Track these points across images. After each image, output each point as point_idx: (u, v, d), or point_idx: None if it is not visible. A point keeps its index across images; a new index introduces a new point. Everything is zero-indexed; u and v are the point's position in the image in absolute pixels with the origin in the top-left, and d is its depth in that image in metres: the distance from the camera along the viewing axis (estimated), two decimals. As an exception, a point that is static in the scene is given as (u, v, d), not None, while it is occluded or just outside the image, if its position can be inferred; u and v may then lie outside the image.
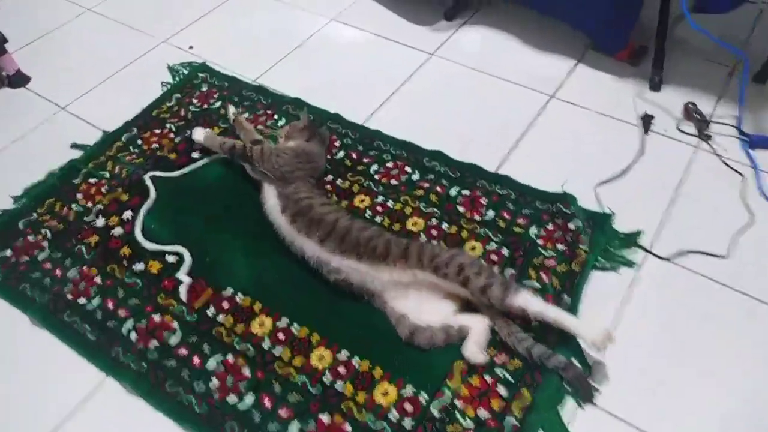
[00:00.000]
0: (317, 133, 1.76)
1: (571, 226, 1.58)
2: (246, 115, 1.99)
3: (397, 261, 1.38)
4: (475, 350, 1.29)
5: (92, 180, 1.82)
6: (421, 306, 1.39)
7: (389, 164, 1.79)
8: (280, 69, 2.17)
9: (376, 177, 1.76)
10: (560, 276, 1.48)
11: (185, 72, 2.17)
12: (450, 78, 2.09)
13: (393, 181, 1.74)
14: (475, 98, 2.01)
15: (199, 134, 1.81)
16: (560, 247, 1.54)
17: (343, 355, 1.37)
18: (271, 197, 1.57)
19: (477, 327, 1.32)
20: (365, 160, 1.81)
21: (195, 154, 1.85)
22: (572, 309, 1.40)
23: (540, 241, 1.56)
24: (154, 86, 2.13)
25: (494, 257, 1.54)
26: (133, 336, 1.43)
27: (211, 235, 1.63)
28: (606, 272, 1.51)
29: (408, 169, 1.78)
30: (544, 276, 1.48)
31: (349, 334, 1.40)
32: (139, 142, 1.93)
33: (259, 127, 1.94)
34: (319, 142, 1.74)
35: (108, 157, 1.88)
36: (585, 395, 1.26)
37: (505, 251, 1.54)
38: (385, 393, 1.30)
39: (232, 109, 1.90)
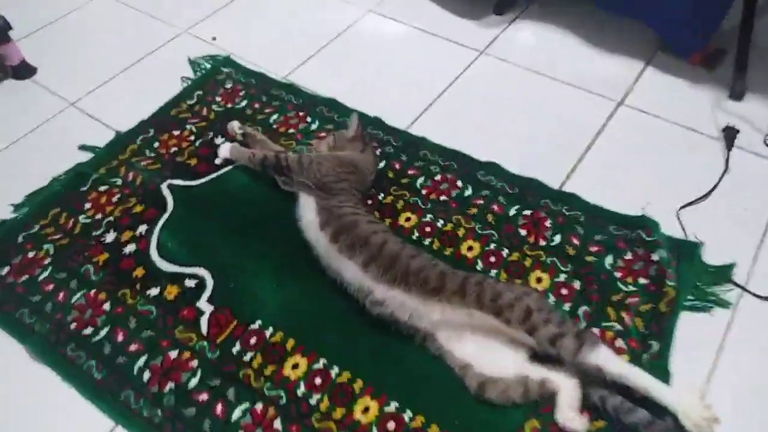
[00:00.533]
0: (368, 144, 1.55)
1: (655, 257, 1.36)
2: (275, 116, 1.78)
3: (453, 297, 1.17)
4: (571, 416, 1.08)
5: (102, 188, 1.63)
6: (484, 352, 1.18)
7: (437, 177, 1.59)
8: (312, 65, 1.96)
9: (423, 192, 1.55)
10: (645, 317, 1.27)
11: (208, 66, 1.97)
12: (503, 79, 1.88)
13: (443, 197, 1.54)
14: (531, 103, 1.79)
15: (224, 151, 1.62)
16: (642, 281, 1.33)
17: (392, 407, 1.17)
18: (309, 211, 1.37)
19: (567, 385, 1.11)
20: (410, 172, 1.61)
21: (218, 160, 1.65)
22: (662, 357, 1.20)
23: (618, 274, 1.35)
24: (173, 81, 1.93)
25: (564, 291, 1.33)
26: (146, 375, 1.24)
27: (236, 256, 1.43)
28: (695, 313, 1.29)
29: (459, 183, 1.57)
30: (625, 317, 1.27)
31: (400, 382, 1.20)
32: (156, 144, 1.73)
33: (291, 131, 1.73)
34: (369, 152, 1.53)
35: (121, 162, 1.69)
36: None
37: (576, 284, 1.33)
38: (443, 457, 1.10)
39: (235, 124, 1.68)
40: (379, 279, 1.23)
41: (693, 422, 1.02)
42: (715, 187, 1.53)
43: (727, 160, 1.59)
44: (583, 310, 1.29)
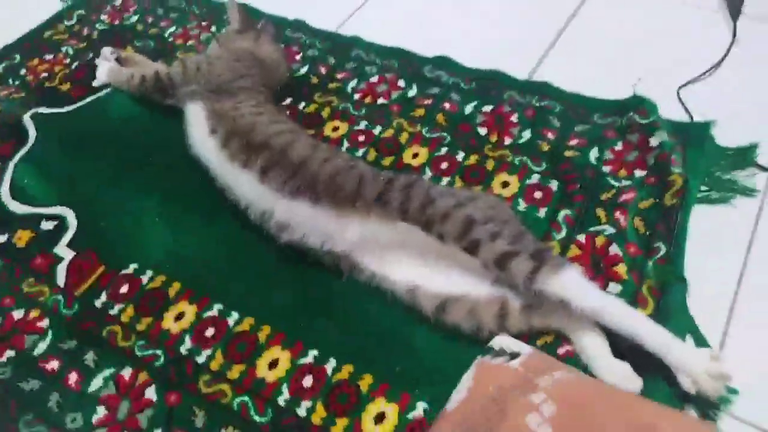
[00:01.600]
0: (261, 33, 1.23)
1: (653, 141, 1.06)
2: (173, 29, 1.46)
3: (372, 207, 0.87)
4: (628, 373, 0.77)
5: (-49, 125, 1.29)
6: (435, 270, 0.88)
7: (374, 78, 1.28)
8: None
9: (356, 96, 1.24)
10: (646, 215, 0.97)
11: (94, -17, 1.64)
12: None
13: (380, 101, 1.23)
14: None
15: (102, 73, 1.31)
16: (639, 173, 1.03)
17: (310, 357, 0.86)
18: (196, 119, 1.07)
19: (591, 334, 0.80)
20: (339, 76, 1.29)
21: (96, 82, 1.32)
22: (673, 261, 0.90)
23: (606, 168, 1.05)
24: (52, 3, 1.59)
25: (537, 194, 1.02)
26: (-21, 345, 0.92)
27: (109, 191, 1.11)
28: (711, 206, 0.99)
29: (401, 83, 1.26)
30: (620, 217, 0.96)
31: (320, 326, 0.89)
32: (23, 72, 1.41)
33: (190, 42, 1.41)
34: (269, 41, 1.22)
35: (-23, 94, 1.36)
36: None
37: (553, 185, 1.03)
38: (380, 416, 0.79)
39: (107, 50, 1.35)
40: (281, 190, 0.92)
41: (694, 378, 0.73)
42: (720, 61, 1.23)
43: (734, 30, 1.28)
44: (563, 214, 0.99)
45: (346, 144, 1.15)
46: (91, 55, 1.41)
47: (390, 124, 1.18)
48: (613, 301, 0.78)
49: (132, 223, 1.06)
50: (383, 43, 1.36)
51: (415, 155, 1.12)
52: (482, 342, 0.80)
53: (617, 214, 0.97)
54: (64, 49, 1.44)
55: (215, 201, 1.03)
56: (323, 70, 1.31)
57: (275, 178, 0.92)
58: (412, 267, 0.89)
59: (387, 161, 1.11)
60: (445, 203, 0.85)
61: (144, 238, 1.03)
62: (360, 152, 1.14)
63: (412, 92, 1.24)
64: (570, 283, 0.78)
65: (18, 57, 1.44)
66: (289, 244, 0.93)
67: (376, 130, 1.17)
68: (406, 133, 1.16)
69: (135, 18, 1.51)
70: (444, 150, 1.12)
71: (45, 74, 1.38)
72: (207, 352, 0.88)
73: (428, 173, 1.08)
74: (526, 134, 1.13)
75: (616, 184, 1.02)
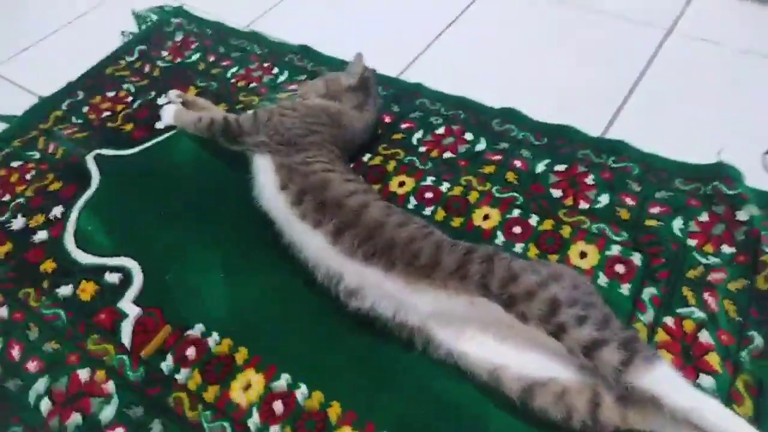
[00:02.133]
0: (372, 100, 1.22)
1: (742, 216, 1.01)
2: (234, 69, 1.45)
3: (449, 279, 0.84)
4: None
5: (15, 163, 1.31)
6: (518, 349, 0.84)
7: (440, 130, 1.25)
8: (279, 11, 1.63)
9: (422, 149, 1.21)
10: (737, 298, 0.92)
11: (154, 18, 1.64)
12: (514, 13, 1.52)
13: (447, 154, 1.20)
14: (553, 37, 1.45)
15: (168, 115, 1.31)
16: (727, 249, 0.98)
17: (383, 440, 0.83)
18: (265, 171, 1.05)
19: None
20: (404, 126, 1.27)
21: (161, 124, 1.32)
22: (769, 354, 0.84)
23: (692, 241, 1.00)
24: (114, 38, 1.60)
25: (620, 268, 0.98)
26: (45, 406, 0.91)
27: (174, 242, 1.10)
28: (807, 290, 0.93)
29: (468, 135, 1.23)
30: (709, 299, 0.92)
31: (393, 405, 0.86)
32: (85, 109, 1.41)
33: (253, 84, 1.40)
34: (370, 113, 1.21)
35: (41, 131, 1.37)
36: None
37: (636, 258, 0.99)
38: None
39: (173, 93, 1.35)
40: (353, 254, 0.89)
41: None
42: (811, 123, 1.17)
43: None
44: (649, 293, 0.94)
45: (413, 201, 1.13)
46: (153, 93, 1.41)
47: (458, 180, 1.15)
48: (710, 402, 0.73)
49: (196, 279, 1.04)
50: (448, 92, 1.32)
51: (486, 217, 1.08)
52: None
53: (706, 295, 0.93)
54: (125, 86, 1.45)
55: (282, 257, 1.01)
56: (387, 119, 1.29)
57: (348, 240, 0.90)
58: (493, 345, 0.85)
59: (456, 222, 1.08)
60: (529, 281, 0.81)
61: (208, 294, 1.02)
62: (428, 210, 1.11)
63: (480, 146, 1.21)
64: (663, 378, 0.74)
65: (81, 94, 1.45)
66: (359, 312, 0.90)
67: (444, 187, 1.14)
68: (476, 192, 1.12)
69: (196, 56, 1.51)
70: (516, 212, 1.08)
71: (108, 113, 1.38)
72: (276, 427, 0.85)
73: (500, 237, 1.05)
74: (604, 199, 1.08)
75: (704, 260, 0.97)
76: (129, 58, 1.53)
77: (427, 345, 0.88)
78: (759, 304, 0.90)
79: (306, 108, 1.14)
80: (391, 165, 1.19)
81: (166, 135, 1.30)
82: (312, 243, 0.95)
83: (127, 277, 1.06)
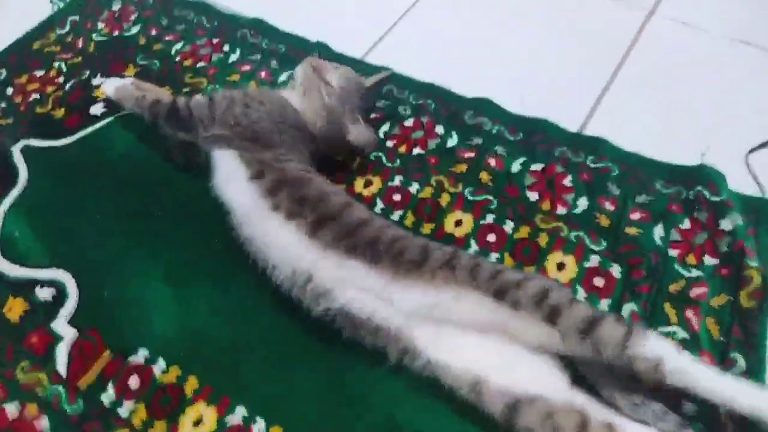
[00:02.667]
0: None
1: (725, 224, 0.97)
2: (179, 45, 1.32)
3: (438, 273, 0.80)
4: None
5: (-72, 156, 1.16)
6: (501, 359, 0.79)
7: (409, 122, 1.16)
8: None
9: (389, 143, 1.13)
10: (720, 315, 0.88)
11: (89, -17, 1.48)
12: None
13: (417, 150, 1.12)
14: (528, 19, 1.36)
15: (109, 88, 1.14)
16: (709, 261, 0.94)
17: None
18: (228, 163, 0.95)
19: None
20: (371, 117, 1.17)
21: (96, 109, 1.19)
22: (754, 377, 0.81)
23: (673, 252, 0.96)
24: (42, 6, 1.44)
25: (598, 281, 0.93)
26: (-32, 447, 0.82)
27: (112, 248, 1.00)
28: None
29: (440, 129, 1.15)
30: (692, 317, 0.88)
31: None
32: (9, 91, 1.27)
33: (201, 63, 1.28)
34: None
35: (-42, 118, 1.22)
36: None
37: (615, 270, 0.94)
38: None
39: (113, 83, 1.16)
40: (333, 247, 0.83)
41: None
42: (793, 121, 1.13)
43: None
44: (629, 309, 0.90)
45: (380, 204, 1.05)
46: (87, 72, 1.28)
47: (428, 180, 1.07)
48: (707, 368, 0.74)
49: (138, 293, 0.95)
50: (417, 78, 1.23)
51: (459, 222, 1.02)
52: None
53: (688, 312, 0.89)
54: (56, 64, 1.31)
55: (232, 262, 0.93)
56: (351, 108, 1.19)
57: (328, 233, 0.84)
58: (477, 354, 0.79)
59: (427, 228, 1.02)
60: (515, 275, 0.81)
61: (152, 312, 0.93)
62: (396, 215, 1.03)
63: (452, 141, 1.13)
64: (660, 344, 0.74)
65: (4, 73, 1.30)
66: (324, 316, 0.83)
67: (413, 188, 1.07)
68: (447, 195, 1.05)
69: (136, 29, 1.37)
70: (490, 218, 1.02)
71: (36, 95, 1.24)
72: (231, 469, 0.79)
73: (473, 246, 0.99)
74: (582, 203, 1.03)
75: (686, 273, 0.94)
76: (60, 31, 1.38)
77: (403, 355, 0.81)
78: (742, 323, 0.87)
79: (280, 103, 1.03)
80: (356, 162, 1.11)
81: (103, 122, 1.18)
82: (281, 237, 0.86)
83: (60, 293, 0.96)
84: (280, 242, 0.86)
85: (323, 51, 1.28)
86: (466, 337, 0.80)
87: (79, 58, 1.31)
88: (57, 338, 0.91)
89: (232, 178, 0.93)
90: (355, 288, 0.82)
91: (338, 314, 0.82)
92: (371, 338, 0.82)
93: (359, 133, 1.05)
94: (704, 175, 1.02)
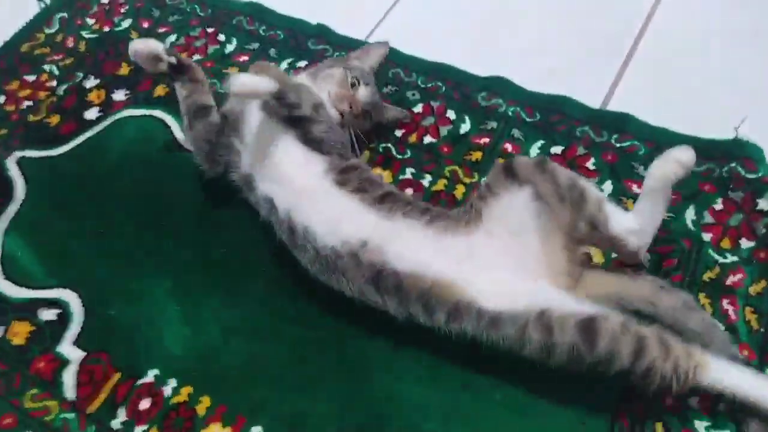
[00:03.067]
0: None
1: (764, 204, 0.91)
2: (173, 38, 1.28)
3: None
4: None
5: None
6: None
7: (418, 108, 1.11)
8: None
9: (398, 133, 1.08)
10: (758, 303, 0.84)
11: (75, -24, 1.43)
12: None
13: (428, 139, 1.06)
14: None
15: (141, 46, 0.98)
16: (746, 244, 0.89)
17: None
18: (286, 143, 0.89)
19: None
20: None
21: (90, 113, 1.16)
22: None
23: (706, 236, 0.90)
24: (29, 5, 1.40)
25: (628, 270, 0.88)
26: (-20, 480, 0.82)
27: (119, 268, 0.98)
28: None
29: (450, 114, 1.09)
30: (728, 307, 0.84)
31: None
32: (1, 99, 1.23)
33: (196, 57, 1.23)
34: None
35: (-52, 131, 1.20)
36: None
37: (645, 260, 0.89)
38: None
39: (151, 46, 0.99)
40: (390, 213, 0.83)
41: None
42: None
43: None
44: (661, 302, 0.85)
45: (391, 199, 1.00)
46: (80, 75, 1.24)
47: (442, 171, 1.03)
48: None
49: (145, 311, 0.93)
50: (425, 57, 1.17)
51: (475, 215, 0.97)
52: None
53: (725, 303, 0.85)
54: (47, 67, 1.27)
55: (241, 274, 0.92)
56: (356, 96, 1.14)
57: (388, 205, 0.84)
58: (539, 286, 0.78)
59: (442, 224, 0.97)
60: None
61: (161, 330, 0.91)
62: (408, 211, 0.99)
63: (465, 127, 1.08)
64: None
65: (-7, 79, 1.27)
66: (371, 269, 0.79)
67: (426, 181, 1.02)
68: (462, 186, 1.01)
69: (127, 23, 1.32)
70: (509, 209, 0.97)
71: (28, 102, 1.21)
72: (250, 494, 0.77)
73: (492, 240, 0.94)
74: (607, 187, 0.98)
75: (720, 259, 0.88)
76: (48, 30, 1.34)
77: (455, 314, 0.77)
78: (785, 313, 0.82)
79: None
80: (365, 155, 1.06)
81: (99, 127, 1.14)
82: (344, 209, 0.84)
83: (65, 314, 0.94)
84: (343, 214, 0.83)
85: (324, 33, 1.23)
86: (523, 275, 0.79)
87: (71, 60, 1.27)
88: (64, 362, 0.89)
89: (288, 154, 0.89)
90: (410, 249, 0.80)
91: (389, 275, 0.79)
92: (416, 298, 0.78)
93: (389, 113, 1.05)
94: (739, 150, 0.97)
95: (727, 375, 0.71)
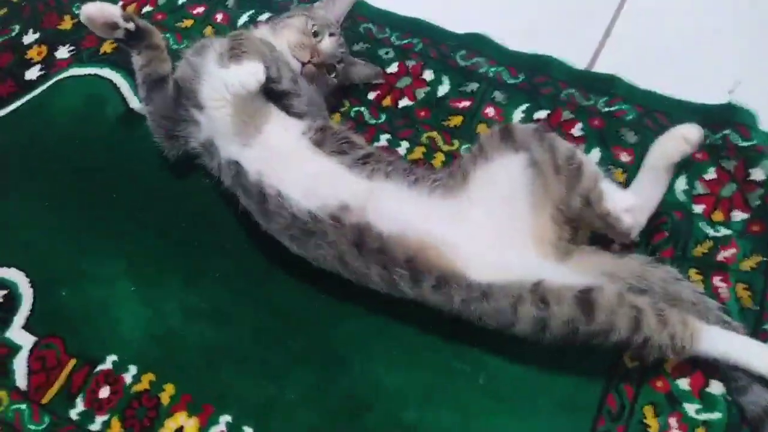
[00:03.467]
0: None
1: (757, 174, 0.89)
2: (122, -13, 1.18)
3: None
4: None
5: None
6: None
7: (392, 67, 1.05)
8: None
9: (371, 95, 1.02)
10: (751, 280, 0.82)
11: None
12: None
13: (404, 102, 1.01)
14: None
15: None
16: (738, 215, 0.87)
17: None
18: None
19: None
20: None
21: (31, 73, 1.07)
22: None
23: (698, 208, 0.88)
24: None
25: (616, 248, 0.86)
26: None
27: (66, 244, 0.91)
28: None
29: (429, 74, 1.04)
30: (720, 284, 0.82)
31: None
32: (-71, 54, 1.13)
33: (146, 8, 1.14)
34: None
35: None
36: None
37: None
38: None
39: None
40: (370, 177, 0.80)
41: None
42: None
43: None
44: (650, 278, 0.83)
45: (365, 169, 0.95)
46: (17, 27, 1.14)
47: (419, 138, 0.98)
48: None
49: (100, 292, 0.88)
50: (400, 12, 1.11)
51: (455, 186, 0.93)
52: None
53: (716, 280, 0.83)
54: (-20, 17, 1.16)
55: (204, 253, 0.88)
56: (327, 53, 1.07)
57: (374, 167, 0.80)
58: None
59: (419, 195, 0.93)
60: None
61: (118, 313, 0.86)
62: (384, 181, 0.94)
63: (444, 89, 1.03)
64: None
65: None
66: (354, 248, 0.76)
67: (402, 148, 0.97)
68: (441, 154, 0.96)
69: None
70: (491, 179, 0.93)
71: (-40, 60, 1.11)
72: (218, 489, 0.74)
73: (473, 213, 0.90)
74: (595, 154, 0.94)
75: (712, 232, 0.86)
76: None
77: (442, 280, 0.74)
78: (776, 290, 0.81)
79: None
80: (335, 118, 1.00)
81: (42, 88, 1.06)
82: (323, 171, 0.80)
83: (12, 295, 0.88)
84: (321, 177, 0.80)
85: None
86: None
87: (5, 10, 1.17)
88: (13, 348, 0.84)
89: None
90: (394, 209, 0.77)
91: (373, 237, 0.76)
92: (402, 263, 0.75)
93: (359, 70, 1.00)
94: (732, 116, 0.93)
95: (722, 342, 0.72)
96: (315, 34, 0.91)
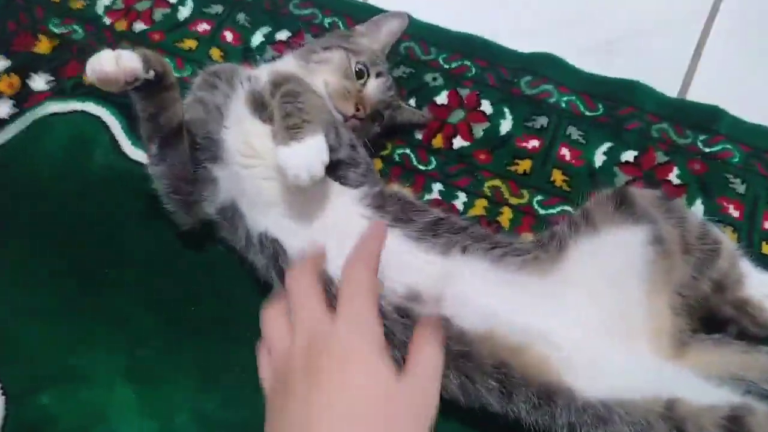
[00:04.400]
0: None
1: None
2: (107, 0, 1.02)
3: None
4: None
5: None
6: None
7: (441, 97, 0.90)
8: None
9: (418, 135, 0.87)
10: None
11: None
12: None
13: (458, 142, 0.86)
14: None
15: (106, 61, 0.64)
16: None
17: None
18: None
19: None
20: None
21: (2, 110, 0.92)
22: None
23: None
24: None
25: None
26: None
27: (51, 337, 0.76)
28: None
29: (486, 106, 0.89)
30: None
31: None
32: None
33: (140, 26, 0.98)
34: None
35: None
36: None
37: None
38: None
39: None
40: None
41: None
42: None
43: None
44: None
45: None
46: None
47: (480, 188, 0.83)
48: None
49: (92, 398, 0.72)
50: (451, 28, 0.97)
51: (529, 250, 0.78)
52: None
53: None
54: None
55: (221, 337, 0.73)
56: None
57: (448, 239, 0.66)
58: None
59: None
60: None
61: (114, 426, 0.71)
62: (440, 244, 0.80)
63: (507, 125, 0.88)
64: None
65: None
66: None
67: (459, 202, 0.84)
68: (509, 210, 0.82)
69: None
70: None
71: None
72: None
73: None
74: (698, 208, 0.80)
75: None
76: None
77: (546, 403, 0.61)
78: None
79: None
80: (376, 166, 0.85)
81: (14, 129, 0.90)
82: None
83: (-17, 402, 0.73)
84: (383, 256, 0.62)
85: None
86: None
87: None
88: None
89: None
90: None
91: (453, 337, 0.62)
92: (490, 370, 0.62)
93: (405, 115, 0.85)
94: None
95: None
96: (359, 75, 0.76)
